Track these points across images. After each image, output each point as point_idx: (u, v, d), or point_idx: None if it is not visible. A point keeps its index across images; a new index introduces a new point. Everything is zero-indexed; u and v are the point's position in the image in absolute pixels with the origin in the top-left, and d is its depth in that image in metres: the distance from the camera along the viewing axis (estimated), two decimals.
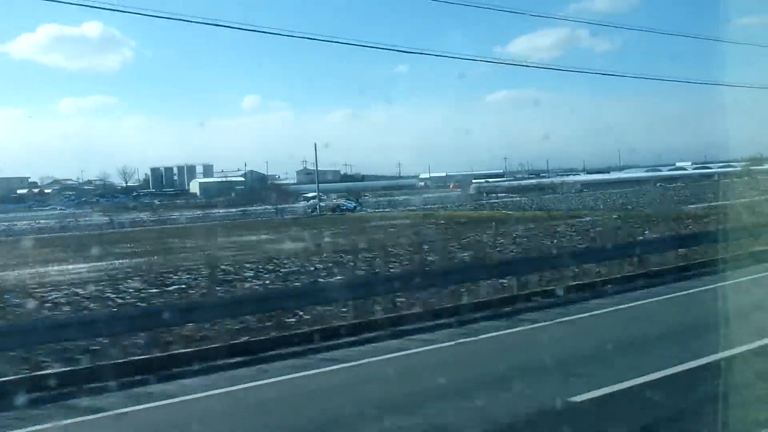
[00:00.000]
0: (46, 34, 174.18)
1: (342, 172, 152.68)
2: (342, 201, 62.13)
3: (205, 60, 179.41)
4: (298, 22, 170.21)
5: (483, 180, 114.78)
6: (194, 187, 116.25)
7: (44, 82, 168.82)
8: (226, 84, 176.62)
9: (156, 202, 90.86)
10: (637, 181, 77.64)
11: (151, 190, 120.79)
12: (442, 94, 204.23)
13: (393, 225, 39.21)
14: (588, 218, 33.16)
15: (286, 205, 69.28)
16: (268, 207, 65.33)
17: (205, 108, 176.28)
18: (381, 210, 60.19)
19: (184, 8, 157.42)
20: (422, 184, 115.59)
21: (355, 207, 59.66)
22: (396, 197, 78.67)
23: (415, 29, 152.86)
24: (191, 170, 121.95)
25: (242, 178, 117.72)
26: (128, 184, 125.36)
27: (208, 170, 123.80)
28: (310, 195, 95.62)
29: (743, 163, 75.48)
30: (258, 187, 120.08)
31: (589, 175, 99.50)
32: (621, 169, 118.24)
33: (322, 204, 64.69)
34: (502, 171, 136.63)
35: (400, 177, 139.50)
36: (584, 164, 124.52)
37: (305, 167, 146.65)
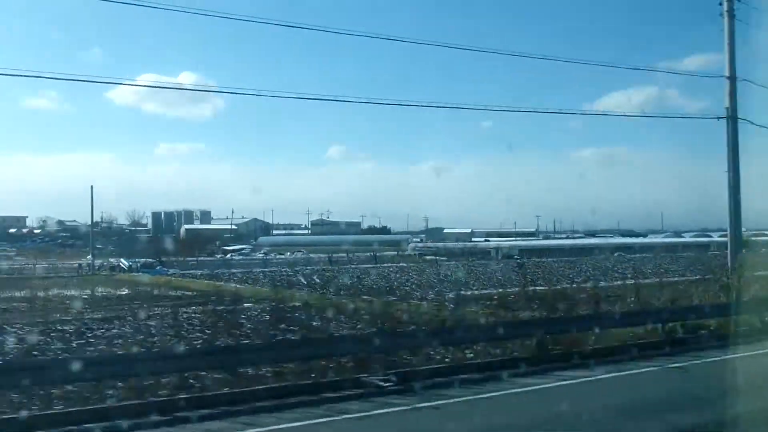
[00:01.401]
0: (145, 82, 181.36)
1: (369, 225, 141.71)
2: (122, 261, 51.06)
3: (290, 108, 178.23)
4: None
5: (495, 238, 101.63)
6: (183, 233, 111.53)
7: (141, 127, 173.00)
8: (310, 133, 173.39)
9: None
10: (592, 249, 59.76)
11: (150, 234, 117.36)
12: (520, 149, 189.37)
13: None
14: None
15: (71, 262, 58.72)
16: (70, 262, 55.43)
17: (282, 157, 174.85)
18: (181, 272, 48.14)
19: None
20: (417, 240, 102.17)
21: (130, 266, 48.20)
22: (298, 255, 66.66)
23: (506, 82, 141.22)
24: (189, 215, 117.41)
25: (232, 226, 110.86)
26: (134, 228, 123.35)
27: (205, 216, 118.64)
28: (229, 248, 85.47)
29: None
30: (252, 236, 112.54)
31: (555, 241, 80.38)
32: (662, 232, 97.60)
33: (114, 262, 54.01)
34: (534, 230, 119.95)
35: (426, 230, 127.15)
36: (618, 224, 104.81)
37: (324, 217, 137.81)
